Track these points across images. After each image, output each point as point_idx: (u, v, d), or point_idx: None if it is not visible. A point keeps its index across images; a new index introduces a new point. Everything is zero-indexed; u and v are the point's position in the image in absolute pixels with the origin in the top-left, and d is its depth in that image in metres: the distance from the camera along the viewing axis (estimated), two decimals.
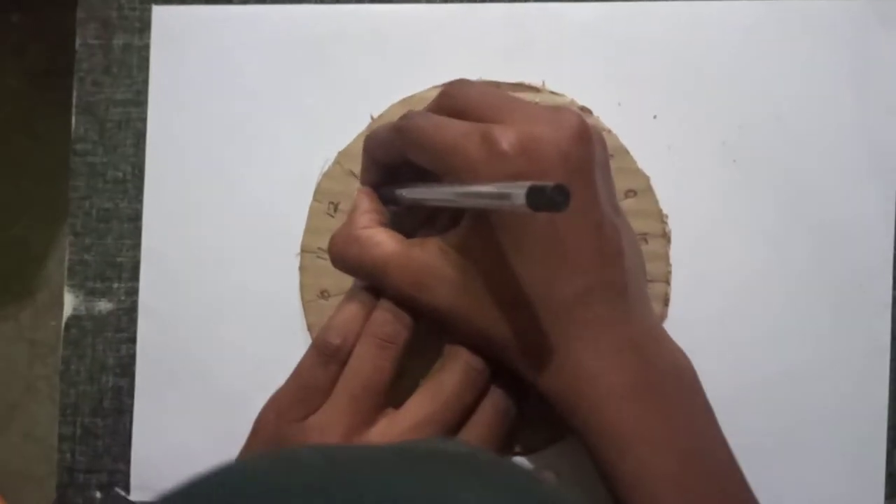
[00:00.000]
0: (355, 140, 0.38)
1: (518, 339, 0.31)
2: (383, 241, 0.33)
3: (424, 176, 0.33)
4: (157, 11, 0.40)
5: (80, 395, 0.40)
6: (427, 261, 0.32)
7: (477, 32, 0.39)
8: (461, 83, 0.33)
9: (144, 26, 0.41)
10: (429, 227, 0.35)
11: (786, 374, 0.37)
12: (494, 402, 0.33)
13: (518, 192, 0.24)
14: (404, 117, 0.32)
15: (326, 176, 0.38)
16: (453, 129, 0.30)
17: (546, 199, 0.24)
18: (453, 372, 0.32)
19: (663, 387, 0.31)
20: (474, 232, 0.31)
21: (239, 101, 0.40)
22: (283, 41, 0.40)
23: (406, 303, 0.33)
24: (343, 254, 0.34)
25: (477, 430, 0.33)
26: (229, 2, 0.40)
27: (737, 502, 0.31)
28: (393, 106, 0.38)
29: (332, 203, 0.38)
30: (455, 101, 0.32)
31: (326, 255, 0.38)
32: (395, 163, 0.34)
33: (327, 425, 0.32)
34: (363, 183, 0.36)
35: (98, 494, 0.40)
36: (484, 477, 0.23)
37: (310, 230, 0.38)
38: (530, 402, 0.34)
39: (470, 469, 0.23)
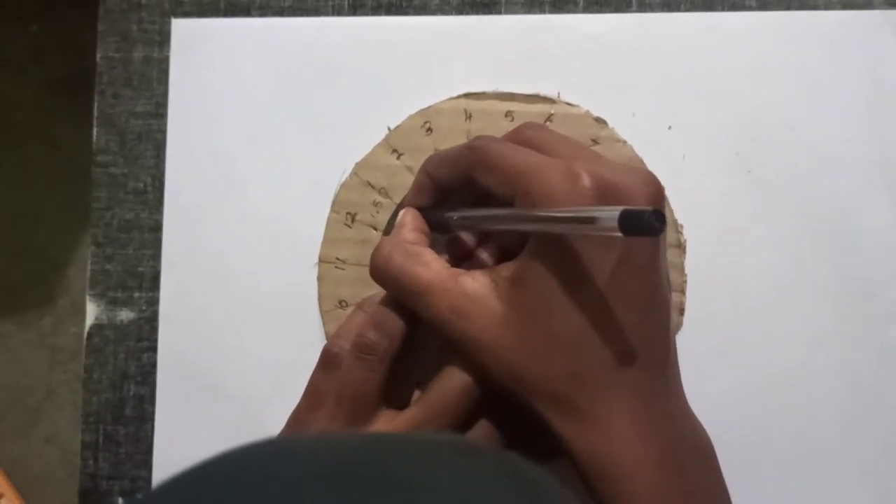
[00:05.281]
0: (372, 151, 0.39)
1: (552, 386, 0.30)
2: (431, 261, 0.32)
3: (479, 204, 0.33)
4: (177, 24, 0.41)
5: (102, 403, 0.41)
6: (475, 290, 0.31)
7: (491, 44, 0.39)
8: (535, 125, 0.33)
9: (164, 39, 0.41)
10: (469, 261, 0.35)
11: (799, 381, 0.37)
12: (486, 426, 0.33)
13: (610, 215, 0.24)
14: (478, 138, 0.32)
15: (344, 187, 0.39)
16: (534, 157, 0.30)
17: (643, 224, 0.24)
18: (450, 388, 0.33)
19: (689, 462, 0.31)
20: (531, 268, 0.30)
21: (257, 112, 0.40)
22: (300, 53, 0.40)
23: (438, 329, 0.32)
24: (388, 262, 0.33)
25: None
26: (247, 14, 0.41)
27: None
28: (410, 117, 0.39)
29: (350, 214, 0.39)
30: (531, 139, 0.32)
31: (344, 266, 0.38)
32: (454, 184, 0.34)
33: (323, 428, 0.33)
34: (409, 204, 0.35)
35: (120, 501, 0.40)
36: (470, 457, 0.24)
37: (327, 241, 0.39)
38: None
39: (456, 451, 0.24)
